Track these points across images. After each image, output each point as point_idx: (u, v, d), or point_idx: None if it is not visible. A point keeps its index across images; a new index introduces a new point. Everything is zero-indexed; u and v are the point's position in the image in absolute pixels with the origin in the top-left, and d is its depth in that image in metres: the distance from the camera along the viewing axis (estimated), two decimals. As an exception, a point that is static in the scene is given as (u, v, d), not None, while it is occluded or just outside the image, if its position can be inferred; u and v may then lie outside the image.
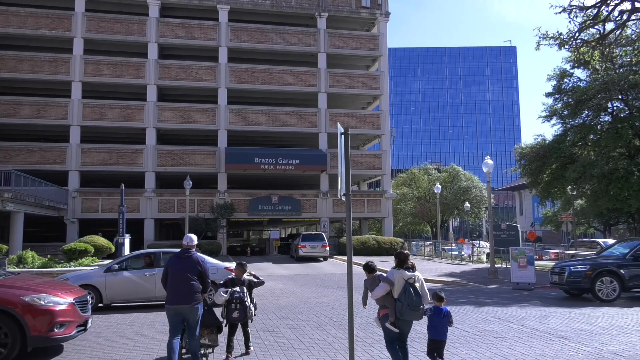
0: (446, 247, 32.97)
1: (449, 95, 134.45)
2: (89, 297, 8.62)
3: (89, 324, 8.43)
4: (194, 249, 7.14)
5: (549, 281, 15.49)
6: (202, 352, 7.36)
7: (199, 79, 37.96)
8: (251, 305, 7.71)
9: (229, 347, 7.66)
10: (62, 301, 7.74)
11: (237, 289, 7.62)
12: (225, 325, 7.72)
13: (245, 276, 7.88)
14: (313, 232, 35.60)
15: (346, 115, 40.10)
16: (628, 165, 21.82)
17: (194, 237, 7.30)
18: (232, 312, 7.47)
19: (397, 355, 6.37)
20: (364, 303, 6.78)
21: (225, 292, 7.56)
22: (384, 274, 6.51)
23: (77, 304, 8.02)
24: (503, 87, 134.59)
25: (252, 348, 8.04)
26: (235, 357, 7.72)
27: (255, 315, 7.96)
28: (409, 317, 6.23)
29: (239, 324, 7.72)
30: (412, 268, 6.42)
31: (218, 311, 7.90)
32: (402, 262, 6.46)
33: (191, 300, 6.76)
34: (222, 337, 7.83)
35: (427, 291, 6.43)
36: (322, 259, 30.50)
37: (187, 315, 6.78)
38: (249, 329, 7.97)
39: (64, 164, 35.56)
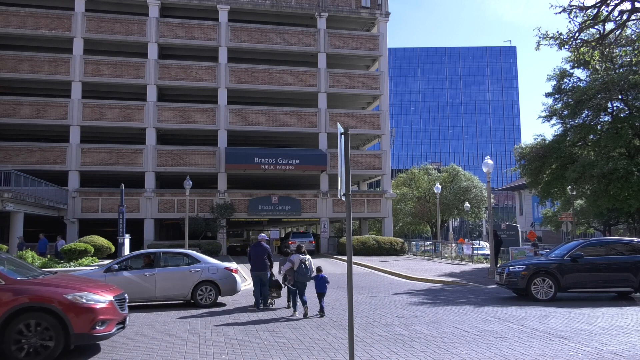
0: (474, 246, 31.90)
1: (449, 95, 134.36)
2: (126, 296, 8.79)
3: (127, 322, 8.60)
4: (263, 242, 12.97)
5: (494, 281, 15.68)
6: (270, 301, 12.93)
7: (199, 79, 37.95)
8: None
9: (289, 299, 12.60)
10: (102, 299, 7.88)
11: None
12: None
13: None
14: (302, 230, 41.69)
15: (346, 115, 40.10)
16: (628, 165, 21.81)
17: (265, 235, 13.57)
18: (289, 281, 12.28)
19: (295, 303, 11.77)
20: (279, 272, 12.29)
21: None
22: (290, 257, 11.84)
23: (116, 302, 8.19)
24: (503, 87, 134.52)
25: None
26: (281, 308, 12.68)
27: None
28: (302, 280, 11.54)
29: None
30: (304, 253, 11.78)
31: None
32: (299, 250, 11.88)
33: (264, 269, 12.65)
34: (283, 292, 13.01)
35: (313, 266, 11.71)
36: (309, 253, 33.20)
37: (262, 277, 12.67)
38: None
39: (64, 164, 35.55)
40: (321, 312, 11.46)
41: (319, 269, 11.76)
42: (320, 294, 11.51)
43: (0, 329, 7.25)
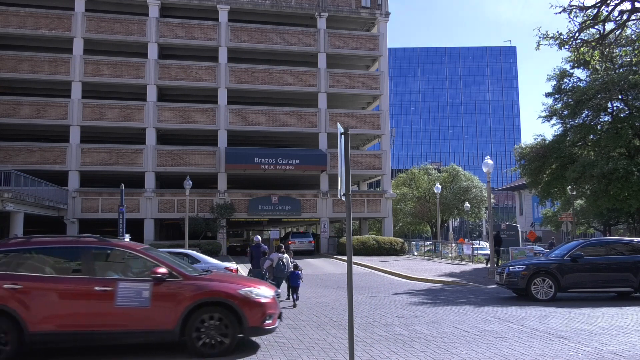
0: (474, 246, 31.43)
1: (449, 95, 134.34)
2: (279, 291, 9.39)
3: (282, 316, 8.94)
4: (261, 243, 14.94)
5: (494, 281, 15.69)
6: None
7: (199, 79, 37.95)
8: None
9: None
10: (267, 294, 8.24)
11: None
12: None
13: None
14: (302, 231, 43.98)
15: (346, 115, 40.09)
16: (628, 165, 21.82)
17: (259, 237, 15.62)
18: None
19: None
20: (261, 267, 14.23)
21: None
22: (270, 255, 13.71)
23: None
24: (503, 87, 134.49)
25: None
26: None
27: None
28: (280, 275, 13.26)
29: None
30: (283, 252, 13.50)
31: None
32: (279, 249, 13.58)
33: (260, 267, 14.10)
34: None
35: (290, 263, 13.38)
36: (308, 253, 35.16)
37: (259, 274, 14.01)
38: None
39: (64, 164, 35.55)
40: (294, 304, 12.95)
41: (295, 266, 13.51)
42: (294, 287, 13.23)
43: (182, 323, 7.57)
